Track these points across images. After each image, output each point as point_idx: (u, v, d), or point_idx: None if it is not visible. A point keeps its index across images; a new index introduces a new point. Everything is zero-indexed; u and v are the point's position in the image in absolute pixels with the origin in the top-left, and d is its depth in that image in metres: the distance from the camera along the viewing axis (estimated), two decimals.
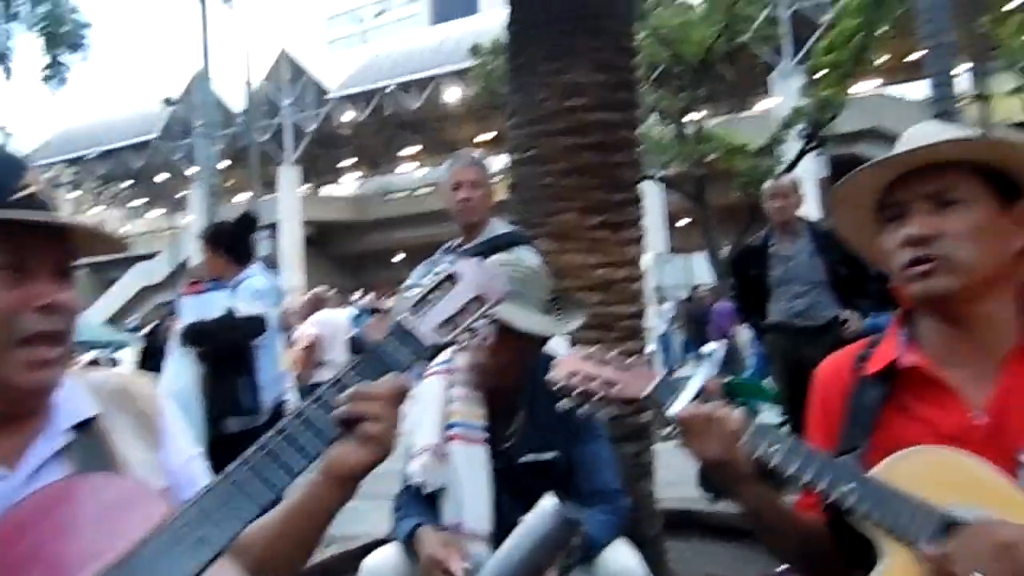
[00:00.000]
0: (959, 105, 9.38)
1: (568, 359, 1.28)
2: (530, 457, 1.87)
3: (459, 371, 1.99)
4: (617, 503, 1.87)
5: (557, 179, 2.96)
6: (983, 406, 1.09)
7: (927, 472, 1.04)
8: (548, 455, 1.89)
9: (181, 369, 3.38)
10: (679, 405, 1.16)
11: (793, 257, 3.83)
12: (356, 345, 6.32)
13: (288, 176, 29.73)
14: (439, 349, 1.05)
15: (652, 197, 21.44)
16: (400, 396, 0.96)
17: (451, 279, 1.03)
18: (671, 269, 21.26)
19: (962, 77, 10.02)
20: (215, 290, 3.43)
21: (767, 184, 4.16)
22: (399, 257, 29.09)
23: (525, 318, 1.83)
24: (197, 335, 3.34)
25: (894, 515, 1.00)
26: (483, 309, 1.03)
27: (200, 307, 3.40)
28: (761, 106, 24.55)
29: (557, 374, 1.26)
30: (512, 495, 1.81)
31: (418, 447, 1.92)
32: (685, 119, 15.33)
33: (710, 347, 1.55)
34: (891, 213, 1.16)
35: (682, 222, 21.77)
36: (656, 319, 13.91)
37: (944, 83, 8.62)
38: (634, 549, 1.83)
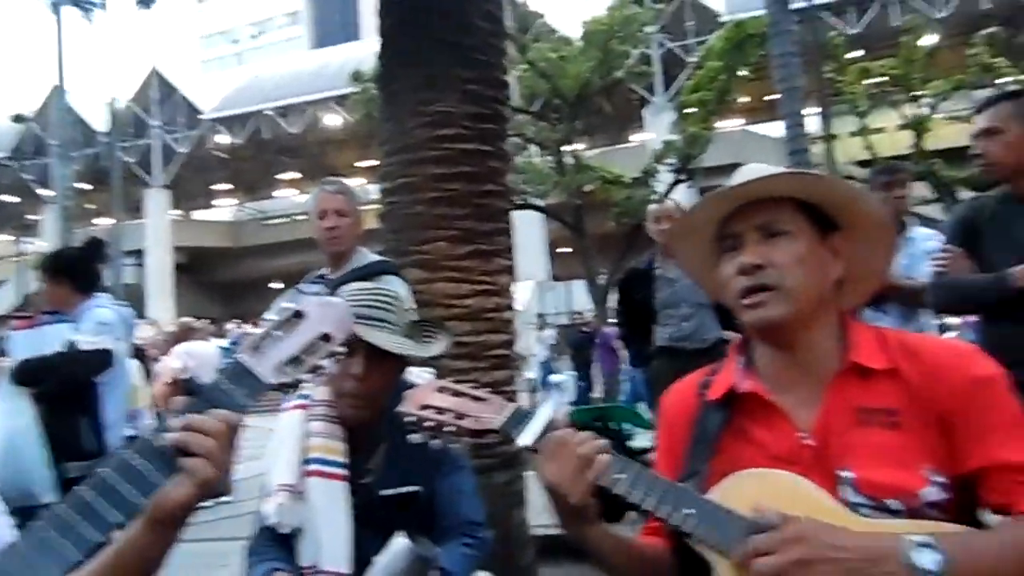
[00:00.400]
0: (809, 143, 10.14)
1: (419, 391, 1.26)
2: (391, 491, 1.81)
3: (319, 404, 1.92)
4: (478, 535, 1.85)
5: (427, 208, 2.95)
6: (810, 428, 1.15)
7: (758, 493, 1.09)
8: (409, 488, 1.85)
9: (16, 409, 3.09)
10: (528, 435, 1.16)
11: (678, 280, 3.86)
12: None
13: (156, 200, 28.25)
14: (285, 387, 1.00)
15: (533, 226, 21.91)
16: (230, 431, 0.91)
17: (298, 316, 0.99)
18: (552, 296, 21.71)
19: (812, 118, 10.84)
20: (56, 323, 3.16)
21: (651, 207, 4.24)
22: (277, 285, 28.15)
23: (393, 342, 1.79)
24: (31, 373, 3.05)
25: (726, 535, 1.03)
26: (330, 347, 1.00)
27: (35, 341, 3.12)
28: (636, 139, 25.67)
29: (407, 406, 1.24)
30: (373, 531, 1.75)
31: (274, 486, 1.83)
32: (564, 150, 15.79)
33: (559, 377, 1.56)
34: (727, 244, 1.21)
35: (563, 250, 22.29)
36: (537, 346, 14.12)
37: (796, 123, 9.33)
38: None
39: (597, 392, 11.25)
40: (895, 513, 1.06)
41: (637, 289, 4.08)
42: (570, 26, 17.06)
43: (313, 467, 1.83)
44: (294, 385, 0.99)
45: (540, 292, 22.10)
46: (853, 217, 1.19)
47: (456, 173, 2.95)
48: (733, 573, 1.01)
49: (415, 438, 1.23)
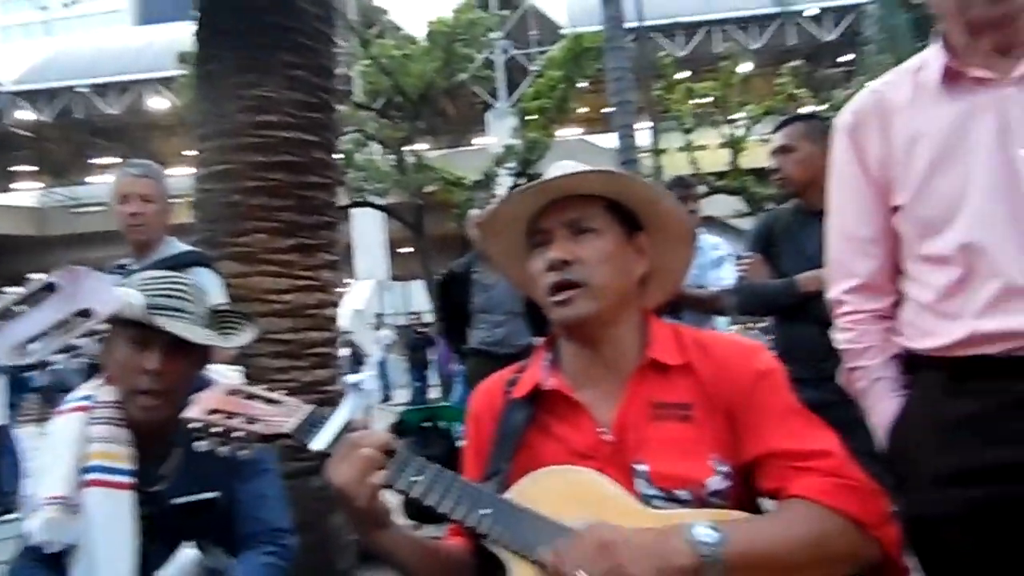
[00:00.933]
0: (640, 155, 10.68)
1: (206, 395, 1.17)
2: (185, 499, 1.67)
3: (102, 406, 1.73)
4: (282, 542, 1.74)
5: (245, 197, 2.78)
6: (609, 424, 1.17)
7: (556, 490, 1.10)
8: (206, 495, 1.71)
9: None
10: (322, 440, 1.10)
11: (494, 285, 3.91)
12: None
13: None
14: (29, 368, 0.87)
15: (374, 225, 21.53)
16: None
17: (48, 289, 0.86)
18: (391, 296, 21.45)
19: (643, 132, 11.45)
20: None
21: (472, 212, 4.26)
22: None
23: (193, 332, 1.64)
24: None
25: (521, 535, 1.03)
26: (89, 324, 0.88)
27: None
28: (479, 142, 25.95)
29: (193, 411, 1.14)
30: (164, 544, 1.60)
31: (41, 499, 1.62)
32: (405, 149, 15.64)
33: (357, 377, 1.52)
34: (537, 240, 1.22)
35: (403, 250, 22.10)
36: (373, 346, 13.88)
37: (628, 135, 9.78)
38: None
39: (435, 393, 11.23)
40: (684, 503, 1.10)
41: (455, 291, 4.09)
42: (415, 25, 16.95)
43: (93, 476, 1.65)
44: (39, 366, 0.86)
45: (379, 292, 21.75)
46: (656, 217, 1.23)
47: (278, 162, 2.80)
48: (530, 573, 1.01)
49: (201, 445, 1.13)
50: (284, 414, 1.14)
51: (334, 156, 3.15)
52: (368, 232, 22.53)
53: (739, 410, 1.14)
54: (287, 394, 1.19)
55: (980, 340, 1.14)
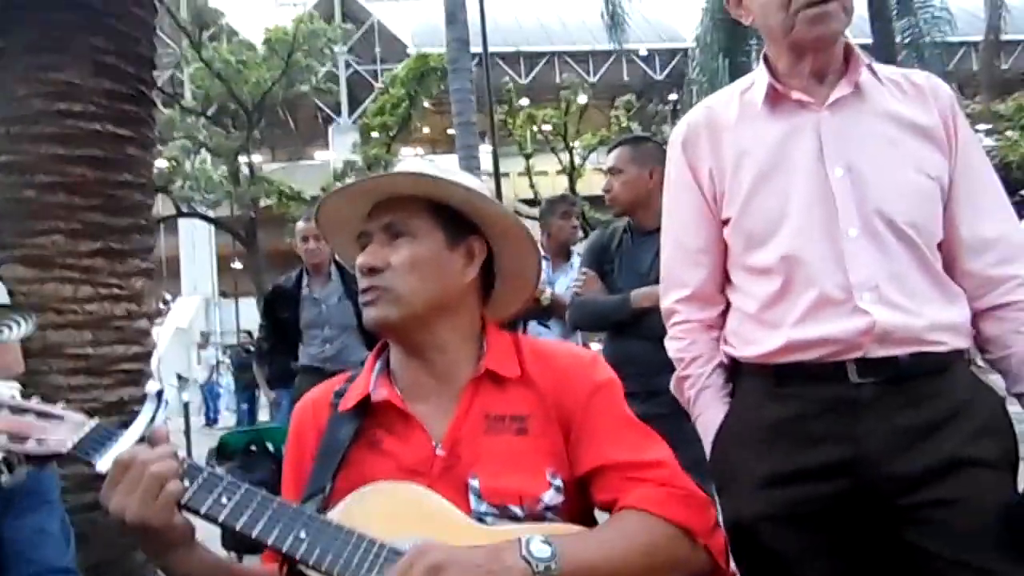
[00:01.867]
0: (481, 178, 10.83)
1: None
2: None
3: None
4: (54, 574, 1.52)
5: (41, 194, 2.46)
6: (442, 438, 1.10)
7: (383, 509, 1.01)
8: None
9: None
10: (109, 459, 0.94)
11: (323, 300, 3.79)
12: None
13: None
14: None
15: (202, 238, 20.28)
16: None
17: None
18: (220, 314, 20.24)
19: (485, 155, 11.63)
20: None
21: (299, 225, 4.07)
22: None
23: None
24: None
25: (342, 559, 0.93)
26: None
27: None
28: (320, 156, 25.26)
29: None
30: None
31: None
32: (240, 160, 14.90)
33: (154, 386, 1.36)
34: (362, 241, 1.16)
35: (234, 265, 20.96)
36: (198, 366, 12.98)
37: (471, 156, 9.89)
38: None
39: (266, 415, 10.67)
40: (518, 519, 1.05)
41: (282, 307, 3.92)
42: (254, 31, 16.25)
43: None
44: None
45: (207, 309, 20.45)
46: (488, 221, 1.18)
47: (83, 156, 2.51)
48: None
49: None
50: (64, 430, 0.97)
51: (151, 154, 2.87)
52: (195, 246, 21.16)
53: (575, 422, 1.12)
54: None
55: (796, 347, 1.19)
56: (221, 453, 4.24)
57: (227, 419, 12.52)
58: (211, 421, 12.72)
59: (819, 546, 1.17)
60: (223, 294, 21.62)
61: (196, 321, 19.14)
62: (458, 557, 0.92)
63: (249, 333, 14.55)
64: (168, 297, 21.05)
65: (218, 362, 13.18)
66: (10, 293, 2.31)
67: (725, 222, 1.30)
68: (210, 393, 13.18)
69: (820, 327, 1.17)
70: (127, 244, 2.63)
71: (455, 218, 1.15)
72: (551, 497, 1.07)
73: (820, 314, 1.17)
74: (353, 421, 1.13)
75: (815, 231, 1.20)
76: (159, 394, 1.01)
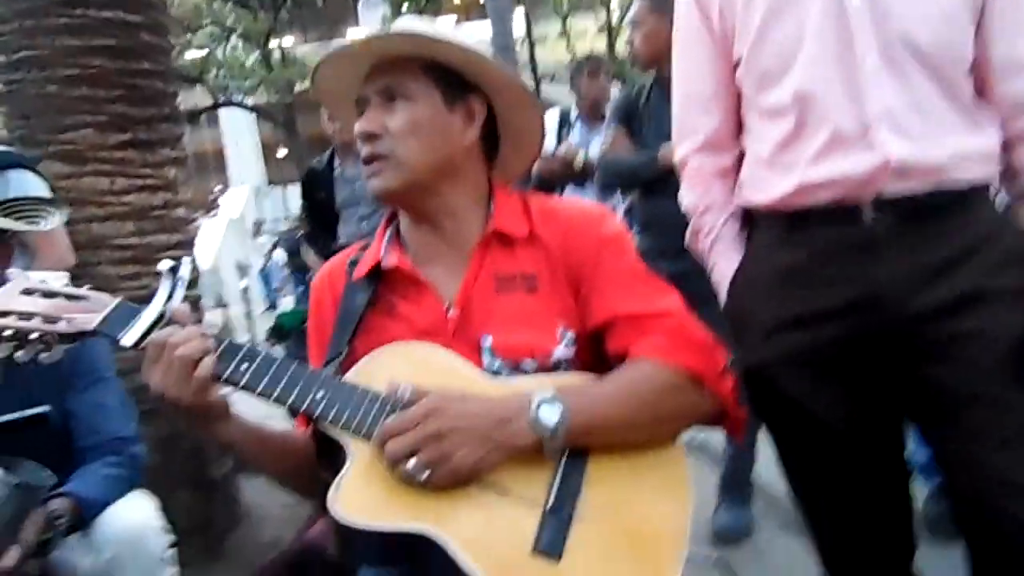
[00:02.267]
0: (516, 45, 10.43)
1: None
2: (11, 416, 1.53)
3: None
4: (126, 452, 1.64)
5: (63, 88, 2.46)
6: (454, 300, 1.13)
7: (397, 367, 1.05)
8: (35, 410, 1.57)
9: None
10: (134, 334, 1.00)
11: (356, 179, 3.78)
12: None
13: None
14: None
15: (245, 129, 20.29)
16: None
17: None
18: (270, 203, 20.55)
19: (519, 21, 11.13)
20: None
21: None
22: None
23: None
24: None
25: (358, 414, 0.99)
26: None
27: None
28: (351, 34, 24.55)
29: None
30: None
31: None
32: (271, 43, 14.62)
33: (166, 263, 1.39)
34: (360, 108, 1.14)
35: (279, 153, 21.03)
36: (254, 254, 13.35)
37: (503, 21, 9.47)
38: (149, 500, 1.63)
39: None
40: (530, 373, 1.09)
41: (318, 189, 3.94)
42: None
43: None
44: None
45: (256, 198, 20.76)
46: (487, 79, 1.15)
47: (98, 47, 2.48)
48: (366, 451, 0.97)
49: None
50: (89, 310, 1.03)
51: (167, 41, 2.83)
52: (240, 136, 21.22)
53: (585, 276, 1.13)
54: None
55: (809, 189, 1.15)
56: (278, 333, 4.45)
57: (285, 302, 12.99)
58: (271, 305, 13.22)
59: (832, 389, 1.19)
60: (270, 182, 21.86)
61: (248, 210, 19.47)
62: (462, 425, 0.95)
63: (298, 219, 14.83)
64: (218, 189, 21.41)
65: (272, 248, 13.52)
66: (52, 190, 2.38)
67: (736, 64, 1.24)
68: (267, 278, 13.63)
69: (834, 166, 1.13)
70: (155, 134, 2.64)
71: (453, 79, 1.12)
72: (562, 352, 1.10)
73: (834, 152, 1.13)
74: (367, 288, 1.16)
75: (830, 63, 1.13)
76: (173, 270, 1.05)
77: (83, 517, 1.49)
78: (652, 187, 2.39)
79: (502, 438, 0.95)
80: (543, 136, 1.25)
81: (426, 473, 0.92)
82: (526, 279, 1.13)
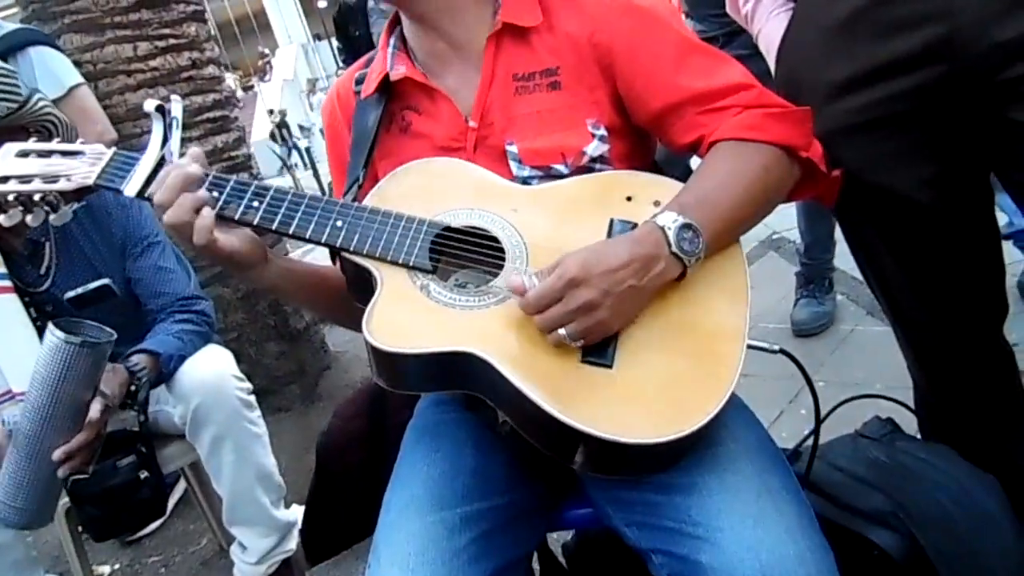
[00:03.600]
0: None
1: None
2: (78, 291, 1.58)
3: None
4: (192, 309, 1.69)
5: None
6: (471, 109, 1.03)
7: (418, 186, 0.98)
8: (97, 283, 1.62)
9: None
10: (135, 184, 0.96)
11: (389, 10, 3.60)
12: None
13: None
14: None
15: None
16: None
17: None
18: (321, 57, 20.12)
19: None
20: None
21: None
22: None
23: None
24: None
25: (381, 240, 0.93)
26: None
27: None
28: None
29: None
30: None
31: None
32: None
33: (151, 103, 1.30)
34: None
35: (320, 4, 20.29)
36: (312, 112, 13.25)
37: None
38: (224, 351, 1.69)
39: None
40: (563, 176, 1.00)
41: (352, 24, 3.75)
42: None
43: None
44: None
45: (306, 55, 20.34)
46: None
47: None
48: (407, 281, 0.92)
49: (2, 220, 0.99)
50: (87, 163, 0.99)
51: None
52: None
53: (619, 57, 0.98)
54: None
55: None
56: None
57: None
58: None
59: (908, 152, 1.05)
60: (316, 36, 21.30)
61: (300, 69, 19.17)
62: (609, 286, 0.82)
63: None
64: (266, 51, 21.04)
65: None
66: (77, 64, 2.34)
67: None
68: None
69: None
70: None
71: None
72: (595, 148, 1.00)
73: None
74: (378, 105, 1.07)
75: None
76: (160, 110, 0.99)
77: (163, 370, 1.57)
78: None
79: (651, 282, 0.84)
80: None
81: (581, 341, 0.83)
82: (547, 75, 1.01)
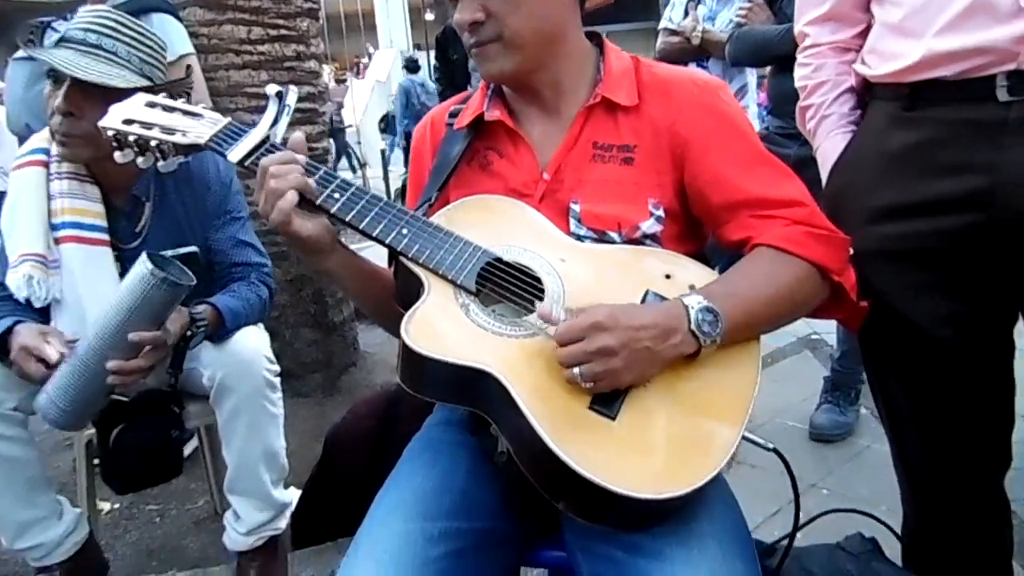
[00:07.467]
0: None
1: (123, 105, 1.13)
2: (167, 253, 1.69)
3: (58, 160, 1.69)
4: (263, 282, 1.80)
5: None
6: (548, 162, 1.11)
7: (482, 218, 1.06)
8: (185, 249, 1.73)
9: None
10: (239, 151, 1.05)
11: None
12: None
13: None
14: None
15: None
16: None
17: None
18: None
19: None
20: None
21: None
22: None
23: (96, 70, 1.54)
24: None
25: (438, 254, 1.00)
26: None
27: None
28: None
29: (108, 120, 1.10)
30: None
31: (17, 255, 1.64)
32: None
33: (273, 88, 1.38)
34: None
35: (427, 16, 20.90)
36: (399, 117, 13.58)
37: None
38: (263, 333, 1.78)
39: None
40: (613, 243, 1.06)
41: (453, 47, 3.90)
42: None
43: (66, 232, 1.66)
44: None
45: (401, 61, 20.90)
46: None
47: None
48: (450, 296, 0.99)
49: (117, 157, 1.10)
50: (203, 126, 1.09)
51: None
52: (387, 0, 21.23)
53: (693, 151, 1.06)
54: None
55: (938, 60, 1.02)
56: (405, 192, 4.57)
57: None
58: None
59: (934, 286, 1.09)
60: (416, 46, 21.86)
61: (394, 73, 19.69)
62: (630, 341, 0.89)
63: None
64: (370, 50, 21.68)
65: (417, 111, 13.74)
66: (194, 35, 2.50)
67: None
68: (407, 138, 13.95)
69: (970, 35, 0.98)
70: None
71: None
72: (650, 225, 1.07)
73: (972, 19, 0.98)
74: (465, 139, 1.16)
75: None
76: (279, 95, 1.09)
77: (220, 329, 1.66)
78: (785, 63, 2.20)
79: (665, 350, 0.91)
80: None
81: (592, 384, 0.90)
82: (624, 150, 1.08)
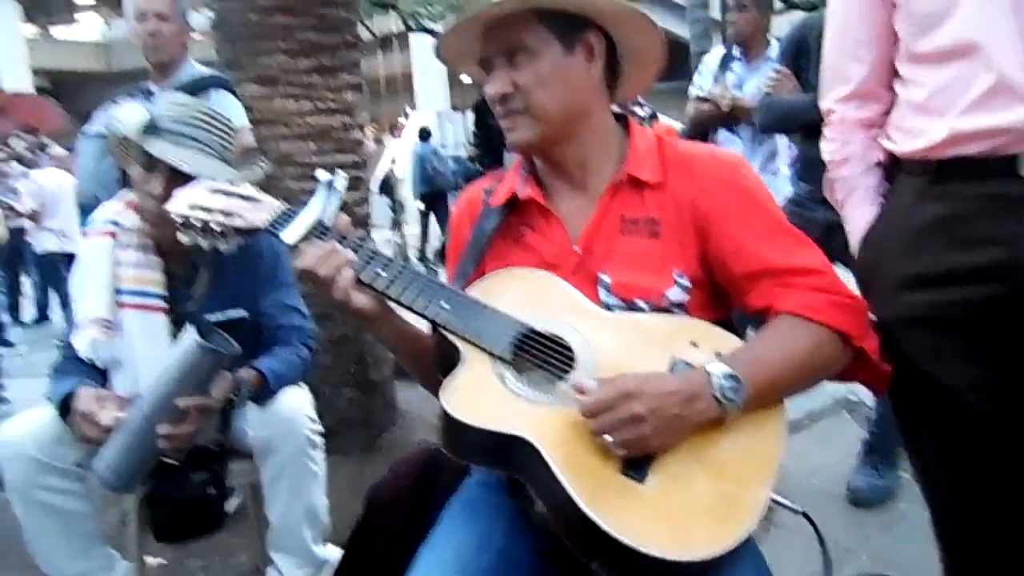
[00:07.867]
0: None
1: (188, 190, 1.22)
2: (218, 317, 1.80)
3: (130, 231, 1.83)
4: (305, 344, 1.89)
5: (262, 16, 2.72)
6: (580, 236, 1.18)
7: (516, 289, 1.13)
8: (236, 313, 1.83)
9: None
10: (293, 233, 1.14)
11: None
12: None
13: (2, 11, 24.92)
14: None
15: (431, 53, 20.79)
16: None
17: None
18: (453, 127, 21.16)
19: None
20: None
21: None
22: None
23: (191, 160, 1.69)
24: None
25: (476, 326, 1.07)
26: (35, 139, 0.91)
27: None
28: None
29: (175, 205, 1.19)
30: None
31: (84, 318, 1.77)
32: None
33: (324, 175, 1.46)
34: (485, 69, 1.19)
35: (464, 79, 21.51)
36: (414, 181, 13.89)
37: None
38: (306, 392, 1.85)
39: None
40: (641, 311, 1.13)
41: (490, 114, 4.01)
42: None
43: (128, 299, 1.78)
44: None
45: (439, 122, 21.46)
46: (598, 12, 1.14)
47: None
48: (488, 367, 1.06)
49: (183, 239, 1.20)
50: (262, 211, 1.19)
51: None
52: (428, 61, 21.91)
53: (714, 224, 1.13)
54: None
55: (962, 138, 1.08)
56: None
57: None
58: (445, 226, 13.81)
59: (958, 350, 1.13)
60: (454, 107, 22.45)
61: (434, 133, 20.17)
62: (658, 408, 0.95)
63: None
64: (409, 111, 22.35)
65: (453, 173, 14.03)
66: (248, 109, 2.67)
67: (894, 7, 1.16)
68: (424, 200, 14.18)
69: (992, 116, 1.05)
70: (337, 60, 2.86)
71: (566, 20, 1.13)
72: (676, 294, 1.13)
73: (994, 101, 1.04)
74: (500, 215, 1.24)
75: (998, 9, 1.03)
76: (329, 184, 1.18)
77: (268, 389, 1.74)
78: (813, 130, 2.26)
79: (691, 415, 0.97)
80: (663, 51, 1.21)
81: (623, 451, 0.96)
82: (650, 224, 1.15)
